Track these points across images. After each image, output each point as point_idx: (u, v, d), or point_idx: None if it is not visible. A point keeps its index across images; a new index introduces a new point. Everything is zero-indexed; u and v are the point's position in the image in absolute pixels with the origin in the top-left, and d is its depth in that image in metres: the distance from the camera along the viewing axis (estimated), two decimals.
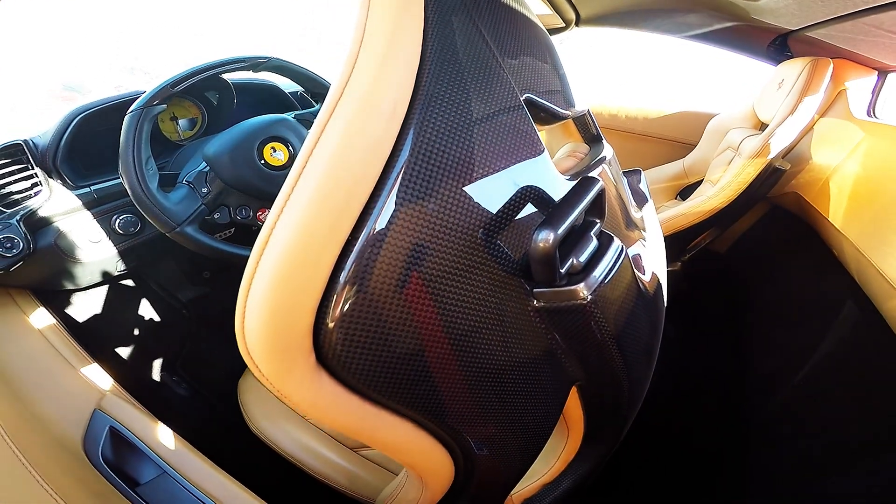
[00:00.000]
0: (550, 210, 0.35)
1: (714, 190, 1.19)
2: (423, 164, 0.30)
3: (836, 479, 0.83)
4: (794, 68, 1.24)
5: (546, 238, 0.32)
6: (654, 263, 0.53)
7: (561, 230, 0.33)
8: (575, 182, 0.40)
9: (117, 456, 0.70)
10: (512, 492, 0.75)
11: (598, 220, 0.40)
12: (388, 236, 0.29)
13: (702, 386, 1.28)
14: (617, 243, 0.39)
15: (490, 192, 0.34)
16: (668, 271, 1.24)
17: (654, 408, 1.19)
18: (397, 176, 0.29)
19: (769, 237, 1.44)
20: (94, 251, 0.85)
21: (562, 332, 0.39)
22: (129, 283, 1.10)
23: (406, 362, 0.33)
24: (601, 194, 0.39)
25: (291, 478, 0.81)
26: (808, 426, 0.97)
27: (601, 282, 0.36)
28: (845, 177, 1.13)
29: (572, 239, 0.38)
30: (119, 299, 1.07)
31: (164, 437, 0.71)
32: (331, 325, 0.29)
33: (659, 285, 0.54)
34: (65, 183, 0.84)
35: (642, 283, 0.47)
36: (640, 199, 0.63)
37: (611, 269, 0.38)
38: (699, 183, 1.53)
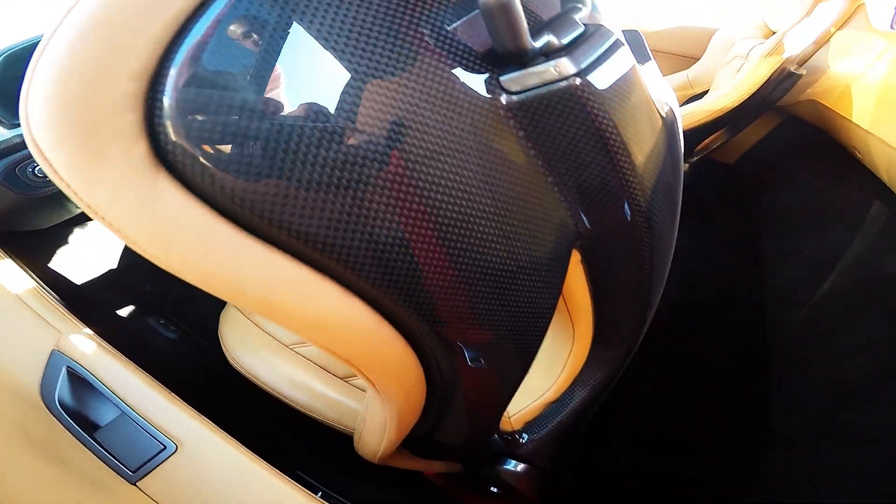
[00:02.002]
0: None
1: (726, 89, 1.11)
2: None
3: (869, 406, 0.75)
4: None
5: None
6: (669, 100, 0.44)
7: None
8: None
9: (77, 399, 0.64)
10: (510, 413, 0.68)
11: (579, 5, 0.31)
12: None
13: (717, 302, 1.19)
14: (610, 33, 0.31)
15: None
16: None
17: (663, 328, 1.11)
18: None
19: (781, 147, 1.36)
20: (47, 185, 0.78)
21: (550, 141, 0.30)
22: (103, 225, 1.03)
23: (311, 173, 0.22)
24: None
25: (278, 414, 0.76)
26: (838, 345, 0.89)
27: (592, 63, 0.28)
28: (871, 82, 1.05)
29: (545, 24, 0.30)
30: (95, 242, 1.00)
31: (125, 374, 0.65)
32: (175, 91, 0.20)
33: (676, 122, 0.44)
34: (1, 122, 0.77)
35: (658, 105, 0.38)
36: (641, 57, 0.54)
37: (604, 56, 0.29)
38: (704, 94, 1.43)
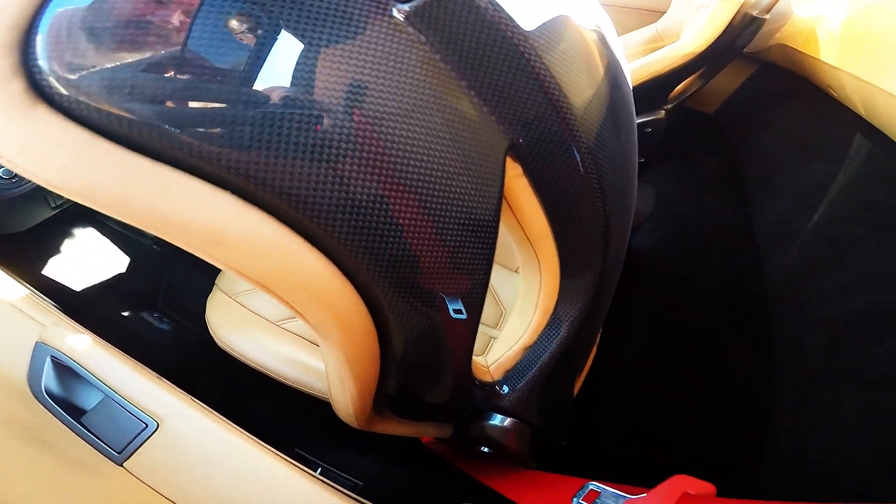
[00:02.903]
0: None
1: (691, 35, 1.12)
2: None
3: (874, 348, 0.73)
4: None
5: None
6: (607, 30, 0.44)
7: None
8: None
9: (63, 386, 0.65)
10: (488, 362, 0.68)
11: None
12: None
13: (706, 245, 1.18)
14: None
15: None
16: (652, 120, 1.18)
17: (653, 275, 1.10)
18: None
19: (759, 93, 1.38)
20: (15, 186, 0.79)
21: (453, 44, 0.30)
22: (86, 226, 1.04)
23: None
24: None
25: (275, 394, 0.77)
26: (835, 283, 0.88)
27: None
28: (834, 22, 1.07)
29: None
30: (78, 242, 1.02)
31: (108, 358, 0.66)
32: (48, 35, 0.22)
33: (618, 54, 0.43)
34: None
35: (590, 30, 0.37)
36: None
37: None
38: None
